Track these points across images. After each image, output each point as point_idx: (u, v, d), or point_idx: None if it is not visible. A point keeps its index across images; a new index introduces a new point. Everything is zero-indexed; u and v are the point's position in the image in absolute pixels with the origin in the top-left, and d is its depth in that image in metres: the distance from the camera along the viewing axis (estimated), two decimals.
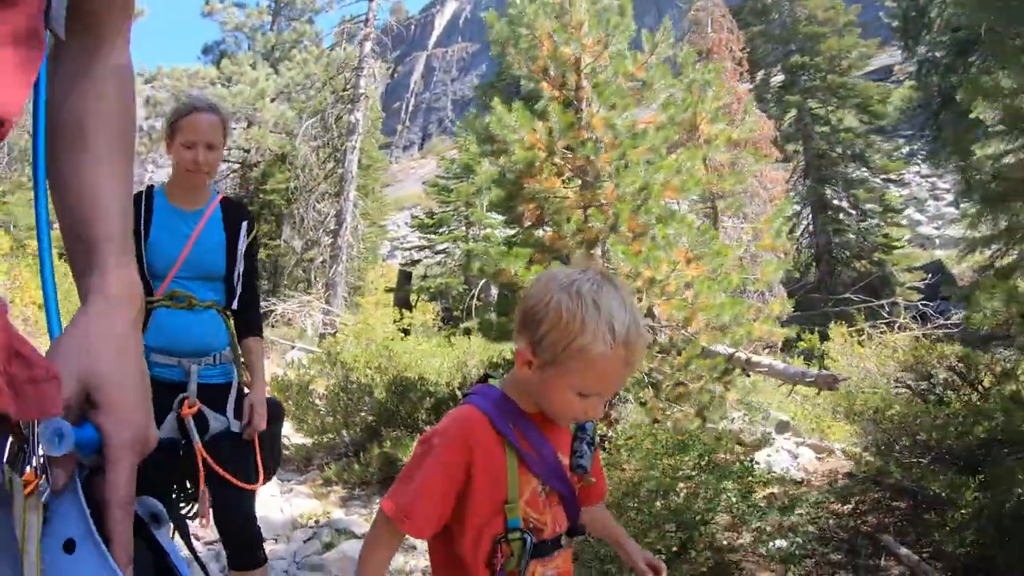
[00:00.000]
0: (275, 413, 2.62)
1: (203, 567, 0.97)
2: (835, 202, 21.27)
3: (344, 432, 6.62)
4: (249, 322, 2.65)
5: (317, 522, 5.08)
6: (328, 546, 4.45)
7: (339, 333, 11.61)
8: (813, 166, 21.22)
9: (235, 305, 2.58)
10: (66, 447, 0.66)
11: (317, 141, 17.77)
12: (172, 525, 0.87)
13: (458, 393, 6.56)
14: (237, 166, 19.35)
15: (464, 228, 15.31)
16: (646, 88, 6.75)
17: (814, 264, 20.15)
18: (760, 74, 22.10)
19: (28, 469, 0.64)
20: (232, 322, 2.58)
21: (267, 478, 2.53)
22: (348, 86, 17.31)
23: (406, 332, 12.62)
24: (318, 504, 5.50)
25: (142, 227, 2.42)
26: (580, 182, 6.39)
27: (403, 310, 13.45)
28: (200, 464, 2.29)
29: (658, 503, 3.56)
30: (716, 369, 5.91)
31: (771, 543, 3.57)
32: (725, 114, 8.02)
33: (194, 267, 2.46)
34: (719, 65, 7.83)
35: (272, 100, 18.29)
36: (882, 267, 19.31)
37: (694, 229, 5.80)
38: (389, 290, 16.55)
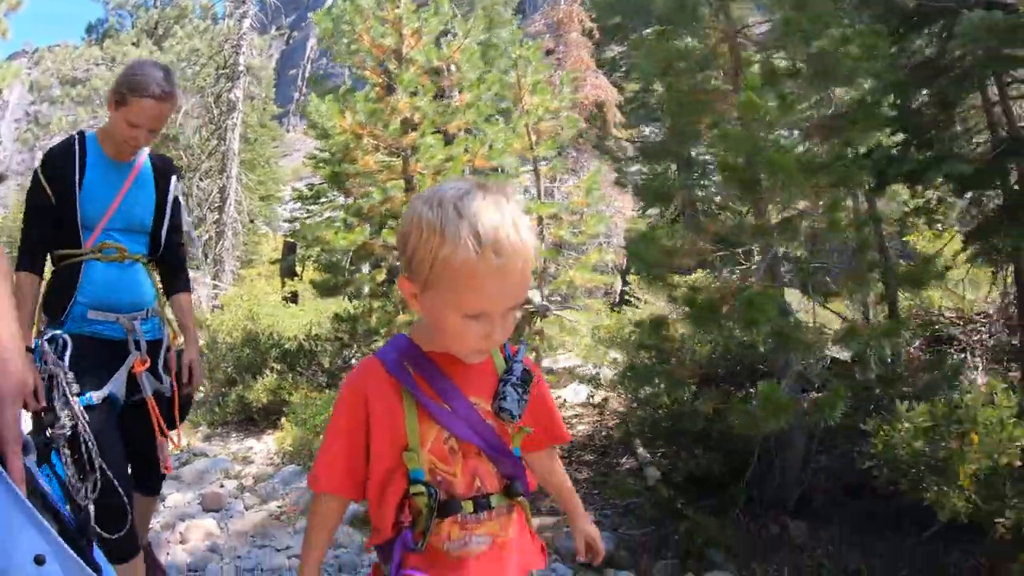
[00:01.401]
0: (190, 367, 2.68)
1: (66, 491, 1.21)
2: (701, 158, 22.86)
3: (206, 383, 7.62)
4: (179, 278, 2.69)
5: (182, 451, 6.15)
6: (185, 463, 5.56)
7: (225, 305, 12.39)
8: None
9: (161, 259, 2.62)
10: None
11: (200, 119, 18.14)
12: (36, 453, 0.99)
13: (304, 344, 7.69)
14: None
15: (342, 198, 16.10)
16: (458, 71, 7.83)
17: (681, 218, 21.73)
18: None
19: None
20: (158, 276, 2.61)
21: (182, 421, 2.62)
22: (227, 63, 17.71)
23: (294, 299, 13.51)
24: (185, 440, 6.56)
25: (76, 174, 2.38)
26: (400, 158, 7.49)
27: (287, 279, 14.31)
28: (154, 416, 2.38)
29: None
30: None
31: None
32: (548, 86, 9.05)
33: (123, 218, 2.44)
34: (539, 43, 8.93)
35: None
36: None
37: None
38: (275, 261, 17.27)
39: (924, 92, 4.36)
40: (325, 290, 7.20)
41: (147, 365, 2.38)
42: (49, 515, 0.86)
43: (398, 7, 7.63)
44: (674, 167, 5.79)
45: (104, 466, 2.11)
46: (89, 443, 2.10)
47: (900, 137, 4.29)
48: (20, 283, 2.27)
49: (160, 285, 2.60)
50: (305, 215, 17.29)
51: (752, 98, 3.17)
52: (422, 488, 1.21)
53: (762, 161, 3.21)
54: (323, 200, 16.92)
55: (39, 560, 0.79)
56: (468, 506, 1.25)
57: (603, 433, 5.61)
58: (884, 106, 3.69)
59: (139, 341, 2.38)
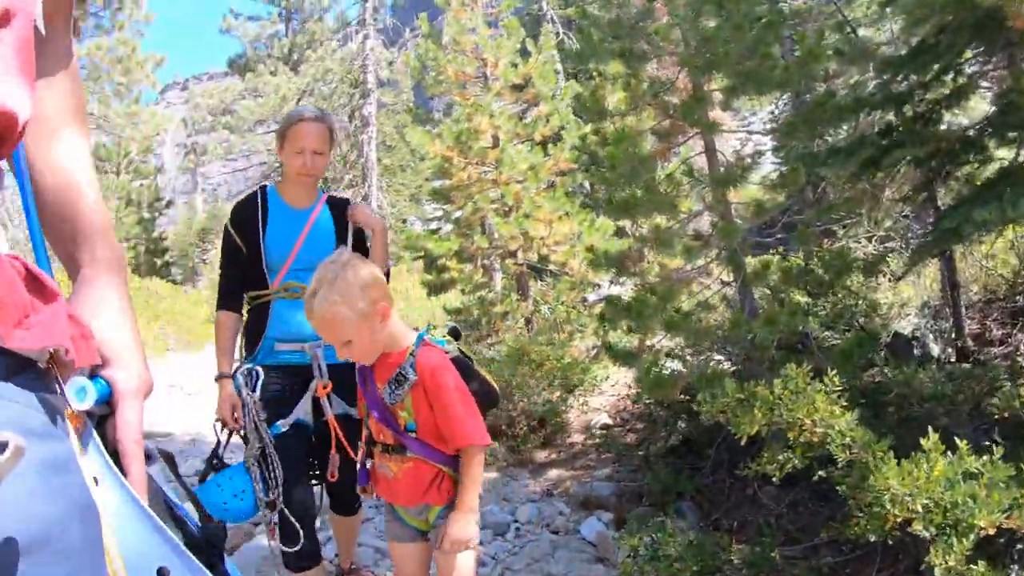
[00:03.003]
0: None
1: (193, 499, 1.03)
2: None
3: None
4: None
5: None
6: None
7: None
8: None
9: None
10: (90, 401, 0.77)
11: (341, 133, 20.20)
12: (160, 462, 0.95)
13: None
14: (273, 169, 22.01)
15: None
16: (530, 85, 8.79)
17: None
18: None
19: (68, 410, 0.73)
20: None
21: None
22: (358, 82, 19.58)
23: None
24: None
25: (259, 224, 2.64)
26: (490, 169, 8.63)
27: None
28: (333, 435, 2.51)
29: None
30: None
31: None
32: None
33: (306, 258, 2.62)
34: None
35: (297, 101, 20.73)
36: None
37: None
38: (417, 258, 19.01)
39: None
40: (432, 288, 8.55)
41: (329, 389, 2.57)
42: (173, 524, 0.86)
43: (475, 37, 8.70)
44: None
45: (283, 484, 2.43)
46: (273, 465, 2.43)
47: None
48: (220, 321, 2.65)
49: None
50: (441, 214, 18.82)
51: None
52: (366, 429, 2.05)
53: None
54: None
55: (162, 573, 0.76)
56: (379, 447, 2.00)
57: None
58: None
59: (321, 367, 2.58)
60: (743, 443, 2.33)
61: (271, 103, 19.81)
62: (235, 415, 2.51)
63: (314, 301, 1.78)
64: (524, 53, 8.78)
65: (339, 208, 2.78)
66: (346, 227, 2.75)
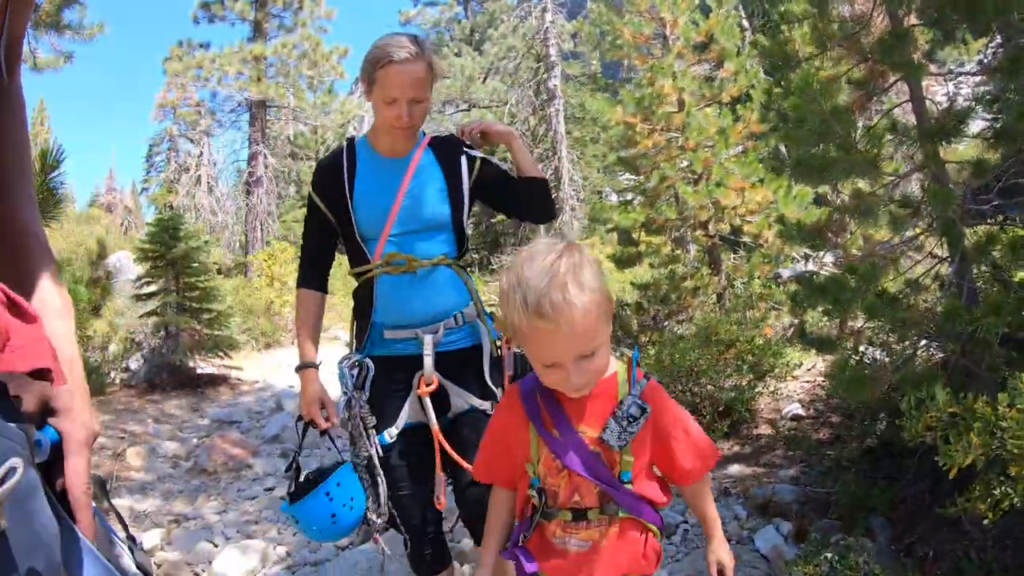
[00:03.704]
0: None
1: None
2: None
3: None
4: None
5: None
6: None
7: None
8: None
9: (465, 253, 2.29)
10: (43, 455, 0.81)
11: (528, 108, 20.32)
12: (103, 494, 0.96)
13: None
14: None
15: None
16: (713, 43, 8.09)
17: None
18: None
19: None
20: (467, 273, 2.26)
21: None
22: (541, 56, 19.52)
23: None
24: None
25: (346, 184, 2.16)
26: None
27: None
28: (436, 448, 2.11)
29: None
30: None
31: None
32: None
33: (411, 220, 2.15)
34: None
35: (483, 80, 21.11)
36: None
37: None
38: (611, 230, 18.74)
39: None
40: (620, 262, 8.23)
41: (434, 387, 2.11)
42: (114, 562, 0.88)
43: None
44: None
45: (392, 503, 2.12)
46: (379, 479, 2.09)
47: None
48: (298, 299, 2.27)
49: (473, 287, 2.25)
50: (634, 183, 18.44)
51: None
52: (534, 493, 1.48)
53: None
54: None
55: None
56: (567, 515, 1.46)
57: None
58: None
59: (426, 357, 2.10)
60: (952, 475, 1.81)
61: (458, 84, 20.30)
62: (326, 414, 2.14)
63: (567, 295, 1.25)
64: (704, 9, 8.13)
65: (447, 147, 2.23)
66: (458, 171, 2.20)
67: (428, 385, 2.10)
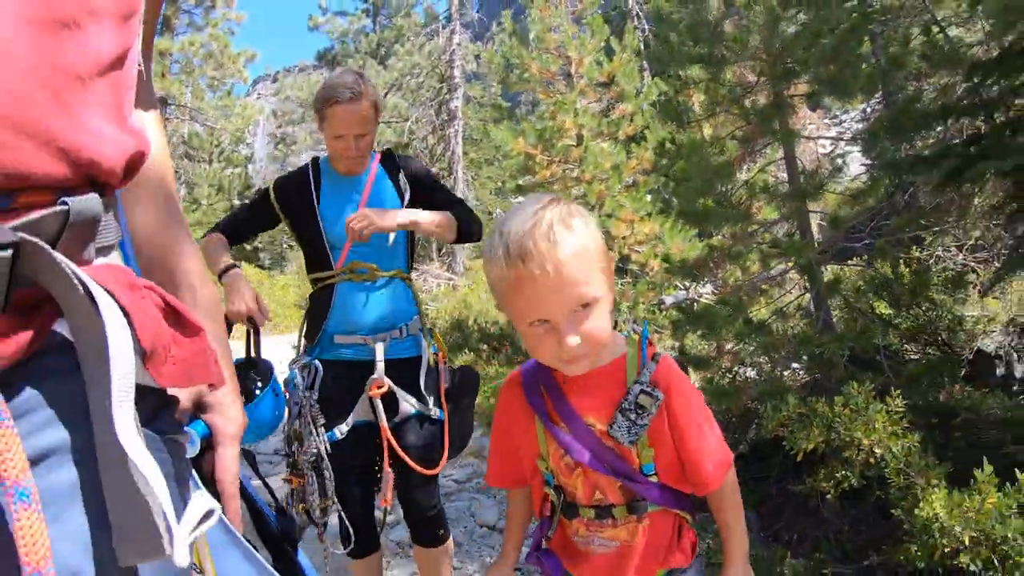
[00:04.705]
0: (471, 385, 2.48)
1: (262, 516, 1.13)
2: None
3: None
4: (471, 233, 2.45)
5: None
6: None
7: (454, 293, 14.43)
8: None
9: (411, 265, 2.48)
10: (194, 450, 0.85)
11: (428, 127, 20.64)
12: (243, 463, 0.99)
13: (505, 328, 9.24)
14: None
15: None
16: (615, 84, 8.77)
17: None
18: None
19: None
20: (413, 288, 2.45)
21: (450, 456, 2.35)
22: (445, 76, 19.94)
23: None
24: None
25: (312, 195, 2.34)
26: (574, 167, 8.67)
27: None
28: (385, 446, 2.23)
29: None
30: None
31: None
32: None
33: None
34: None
35: (385, 95, 21.24)
36: None
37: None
38: None
39: None
40: None
41: (384, 390, 2.24)
42: (254, 516, 0.96)
43: (559, 35, 8.76)
44: None
45: (337, 496, 2.24)
46: (327, 475, 2.20)
47: None
48: (209, 239, 2.34)
49: (420, 301, 2.47)
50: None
51: None
52: (551, 491, 1.33)
53: None
54: None
55: None
56: (590, 512, 1.29)
57: None
58: None
59: (378, 361, 2.25)
60: (799, 459, 2.34)
61: None
62: (260, 305, 2.14)
63: (552, 235, 1.10)
64: (608, 51, 8.79)
65: (391, 165, 2.43)
66: (403, 190, 2.37)
67: (379, 388, 2.24)
